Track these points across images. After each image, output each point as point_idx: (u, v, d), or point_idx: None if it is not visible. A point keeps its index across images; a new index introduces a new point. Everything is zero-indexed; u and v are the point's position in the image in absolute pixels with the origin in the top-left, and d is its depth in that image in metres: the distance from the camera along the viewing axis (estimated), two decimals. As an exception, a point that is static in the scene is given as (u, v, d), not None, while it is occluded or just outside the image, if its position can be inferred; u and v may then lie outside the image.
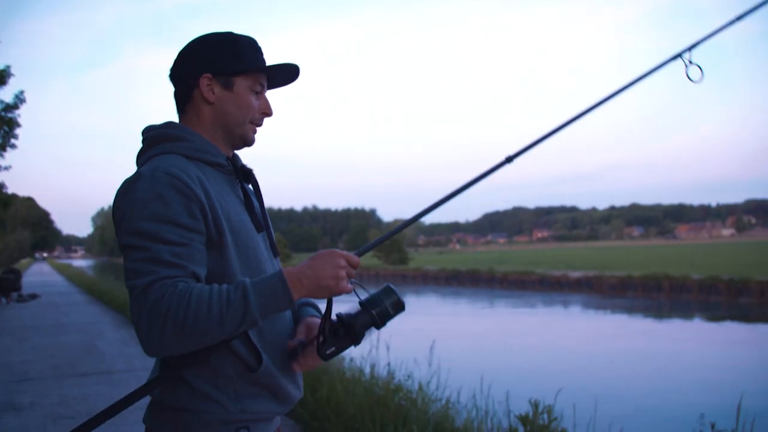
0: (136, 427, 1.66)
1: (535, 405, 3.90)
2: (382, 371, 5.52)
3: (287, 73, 1.68)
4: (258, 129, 1.68)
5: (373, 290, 1.53)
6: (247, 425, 1.53)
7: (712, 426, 3.31)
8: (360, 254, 1.55)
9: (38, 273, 50.99)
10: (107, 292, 19.52)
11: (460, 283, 38.54)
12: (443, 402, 4.92)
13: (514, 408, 4.23)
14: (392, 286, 1.53)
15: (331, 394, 5.01)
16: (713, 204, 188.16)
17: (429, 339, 5.99)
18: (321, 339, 1.52)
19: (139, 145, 1.62)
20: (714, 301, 24.14)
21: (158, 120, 1.64)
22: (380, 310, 1.49)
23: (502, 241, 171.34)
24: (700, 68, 1.80)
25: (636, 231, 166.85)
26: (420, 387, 5.06)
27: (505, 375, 9.38)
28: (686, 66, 1.80)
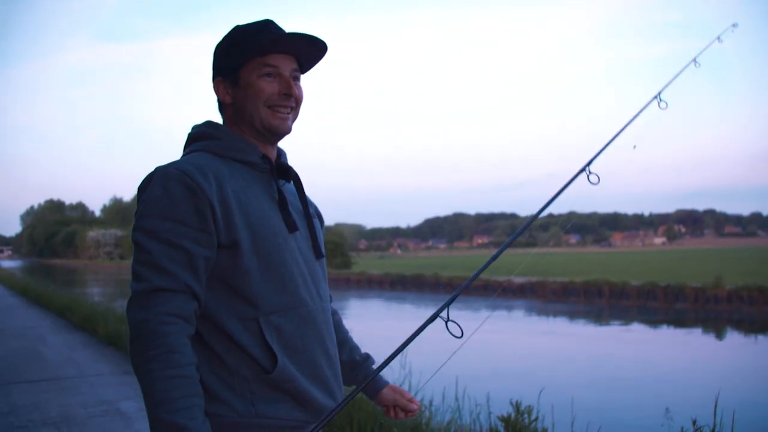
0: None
1: (517, 405, 3.94)
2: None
3: (305, 47, 1.59)
4: (289, 114, 1.60)
5: None
6: None
7: (694, 422, 3.40)
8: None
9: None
10: (44, 295, 18.79)
11: (404, 288, 38.66)
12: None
13: (493, 409, 4.26)
14: None
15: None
16: (646, 213, 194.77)
17: (391, 342, 5.96)
18: None
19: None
20: (651, 307, 24.97)
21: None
22: None
23: (442, 246, 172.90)
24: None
25: (573, 238, 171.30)
26: (394, 389, 5.03)
27: (477, 377, 9.44)
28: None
